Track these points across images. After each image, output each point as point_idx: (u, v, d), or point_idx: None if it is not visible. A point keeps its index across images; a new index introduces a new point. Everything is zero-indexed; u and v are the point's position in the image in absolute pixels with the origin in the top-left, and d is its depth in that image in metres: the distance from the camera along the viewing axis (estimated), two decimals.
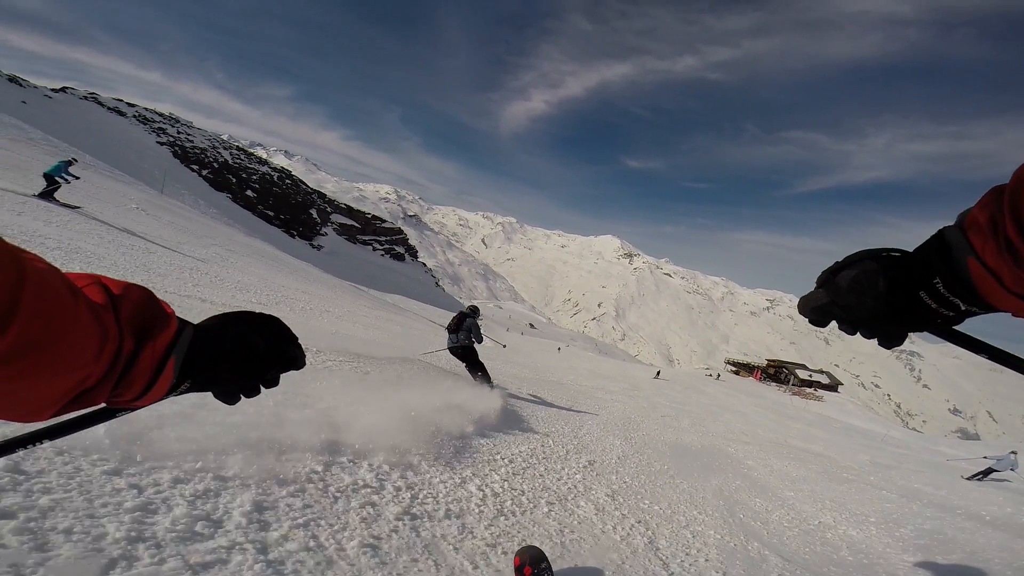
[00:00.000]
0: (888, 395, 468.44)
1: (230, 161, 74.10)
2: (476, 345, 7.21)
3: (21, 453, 0.62)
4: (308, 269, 24.08)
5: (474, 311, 7.51)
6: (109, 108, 62.80)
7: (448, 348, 7.30)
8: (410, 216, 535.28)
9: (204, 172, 66.93)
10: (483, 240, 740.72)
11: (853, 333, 0.76)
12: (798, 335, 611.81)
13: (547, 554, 2.50)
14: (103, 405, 0.62)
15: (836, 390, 72.02)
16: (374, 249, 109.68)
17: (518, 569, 2.32)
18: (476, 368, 7.11)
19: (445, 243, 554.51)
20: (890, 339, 0.73)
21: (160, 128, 67.29)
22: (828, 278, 0.76)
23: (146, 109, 67.72)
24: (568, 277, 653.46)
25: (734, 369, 79.39)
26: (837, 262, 0.78)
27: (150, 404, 0.65)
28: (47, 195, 11.32)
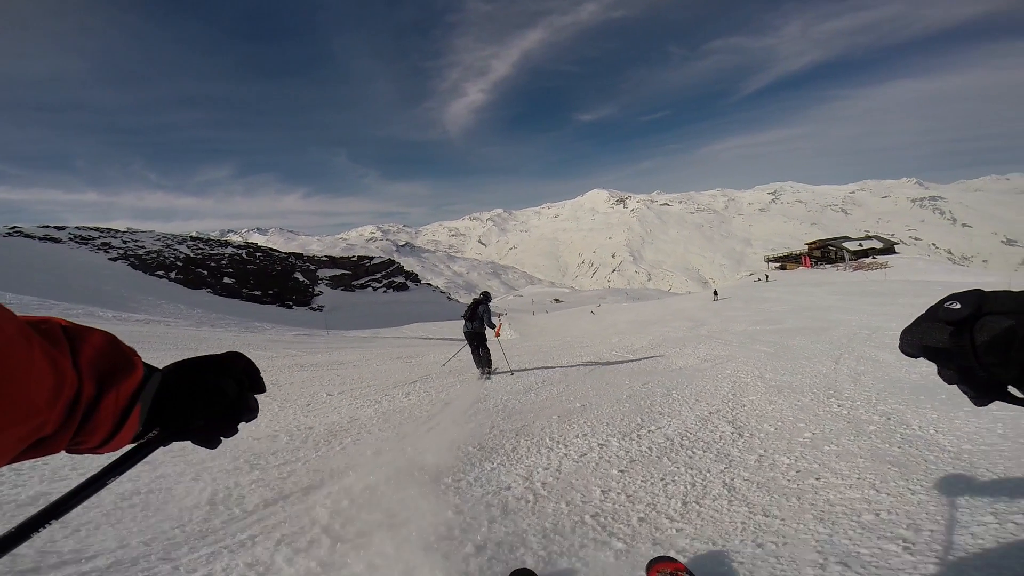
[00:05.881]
0: (933, 244, 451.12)
1: (191, 254, 70.43)
2: (488, 331, 7.64)
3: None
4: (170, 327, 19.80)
5: (486, 296, 7.92)
6: (40, 238, 59.09)
7: (464, 333, 7.65)
8: (402, 246, 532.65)
9: (172, 275, 63.26)
10: (480, 240, 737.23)
11: (951, 384, 0.57)
12: (814, 214, 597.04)
13: None
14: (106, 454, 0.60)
15: (894, 251, 65.98)
16: (374, 289, 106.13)
17: None
18: (484, 353, 7.42)
19: (445, 258, 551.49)
20: (987, 401, 0.56)
21: (104, 244, 63.35)
22: (965, 322, 0.55)
23: (77, 228, 63.43)
24: (573, 243, 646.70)
25: (778, 264, 73.83)
26: (979, 295, 0.56)
27: (113, 451, 0.62)
28: None
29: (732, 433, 3.76)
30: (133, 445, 0.66)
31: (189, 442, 0.71)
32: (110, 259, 66.26)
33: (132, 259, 69.45)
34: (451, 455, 3.54)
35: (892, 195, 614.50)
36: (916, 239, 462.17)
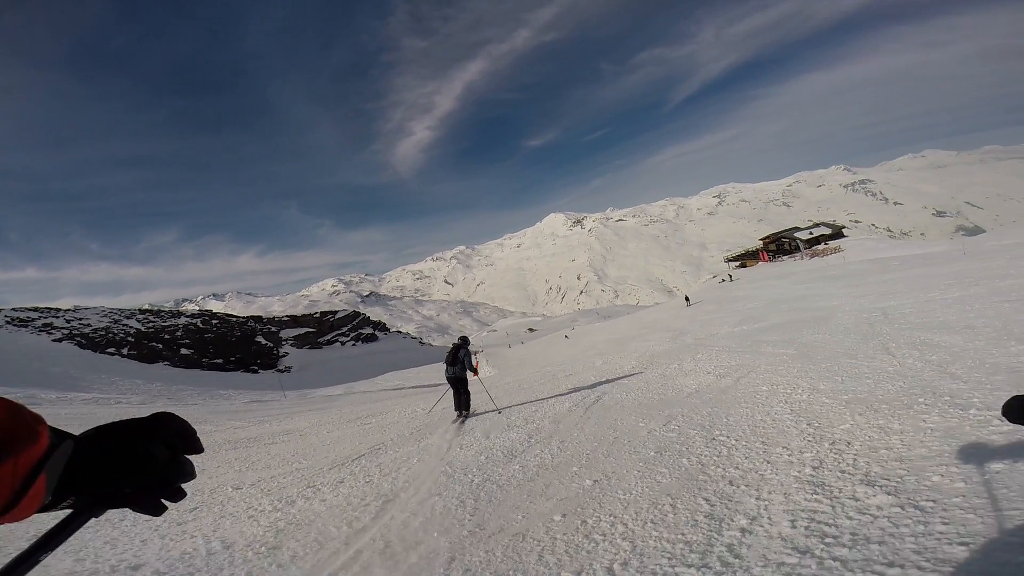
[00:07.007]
0: (873, 225, 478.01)
1: (142, 328, 65.46)
2: (468, 375, 7.78)
3: None
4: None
5: (465, 341, 8.10)
6: None
7: (446, 378, 7.78)
8: (366, 296, 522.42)
9: (124, 351, 58.13)
10: (446, 280, 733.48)
11: None
12: (758, 211, 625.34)
13: None
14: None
15: (843, 235, 67.82)
16: (342, 344, 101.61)
17: None
18: (464, 396, 7.68)
19: (413, 303, 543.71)
20: None
21: (46, 324, 57.54)
22: None
23: (14, 310, 57.46)
24: (538, 271, 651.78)
25: (738, 263, 74.69)
26: None
27: (15, 521, 0.58)
28: None
29: (900, 507, 2.03)
30: (67, 515, 0.61)
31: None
32: (54, 340, 59.83)
33: (79, 338, 62.79)
34: None
35: (826, 183, 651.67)
36: (856, 222, 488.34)
